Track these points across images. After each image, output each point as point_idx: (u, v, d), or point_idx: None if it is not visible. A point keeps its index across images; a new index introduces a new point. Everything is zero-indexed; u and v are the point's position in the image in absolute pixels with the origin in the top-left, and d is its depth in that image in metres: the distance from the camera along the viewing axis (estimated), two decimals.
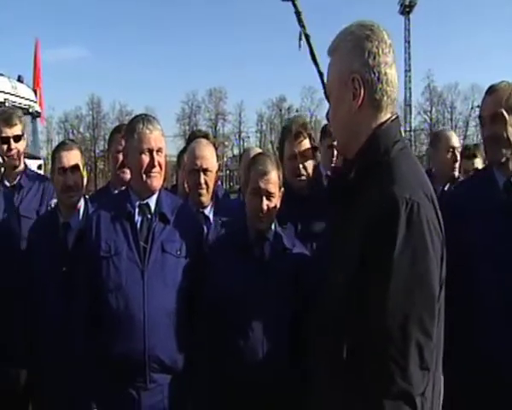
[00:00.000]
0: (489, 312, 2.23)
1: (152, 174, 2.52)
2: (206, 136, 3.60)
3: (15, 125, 3.40)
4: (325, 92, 2.98)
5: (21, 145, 3.44)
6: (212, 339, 2.45)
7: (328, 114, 1.70)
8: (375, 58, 1.52)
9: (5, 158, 3.37)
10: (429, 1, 69.58)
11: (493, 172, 2.39)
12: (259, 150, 4.02)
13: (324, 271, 1.64)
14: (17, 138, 3.39)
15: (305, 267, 2.48)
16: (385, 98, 1.54)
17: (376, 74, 1.52)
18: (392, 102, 1.56)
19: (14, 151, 3.37)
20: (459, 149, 3.94)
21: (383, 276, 1.36)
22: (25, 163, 3.54)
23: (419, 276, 1.36)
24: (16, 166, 3.42)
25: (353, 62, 1.54)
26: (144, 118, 2.58)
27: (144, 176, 2.52)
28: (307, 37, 2.95)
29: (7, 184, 3.38)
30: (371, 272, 1.38)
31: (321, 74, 2.90)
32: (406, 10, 52.40)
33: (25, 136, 3.51)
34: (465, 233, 2.26)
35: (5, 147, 3.35)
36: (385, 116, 1.55)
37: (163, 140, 2.60)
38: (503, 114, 2.28)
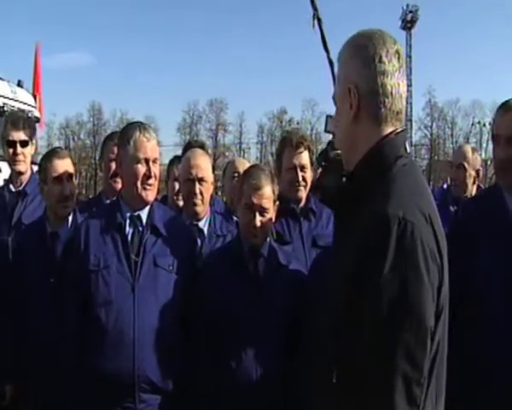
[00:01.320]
0: (498, 338, 2.12)
1: (147, 186, 2.42)
2: (202, 146, 3.54)
3: (23, 129, 3.30)
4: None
5: (28, 151, 3.33)
6: (205, 358, 2.36)
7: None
8: (370, 68, 1.44)
9: (10, 162, 3.27)
10: (431, 17, 70.16)
11: (503, 193, 2.29)
12: (244, 161, 3.87)
13: (322, 290, 1.55)
14: (24, 143, 3.29)
15: (300, 285, 2.40)
16: (382, 110, 1.44)
17: (373, 85, 1.44)
18: (395, 114, 1.46)
19: (19, 156, 3.26)
20: (468, 164, 3.72)
21: (369, 301, 1.26)
22: (32, 170, 3.41)
23: (408, 303, 1.25)
24: (22, 172, 3.31)
25: (350, 72, 1.48)
26: (141, 126, 2.47)
27: (140, 187, 2.41)
28: (319, 21, 2.93)
29: (12, 189, 3.28)
30: (359, 295, 1.29)
31: (331, 63, 2.88)
32: (408, 26, 52.71)
33: (33, 141, 3.40)
34: (474, 258, 2.17)
35: (11, 151, 3.25)
36: (387, 129, 1.46)
37: (158, 149, 2.50)
38: None
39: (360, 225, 1.34)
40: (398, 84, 1.46)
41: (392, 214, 1.28)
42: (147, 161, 2.41)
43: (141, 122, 2.55)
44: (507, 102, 2.28)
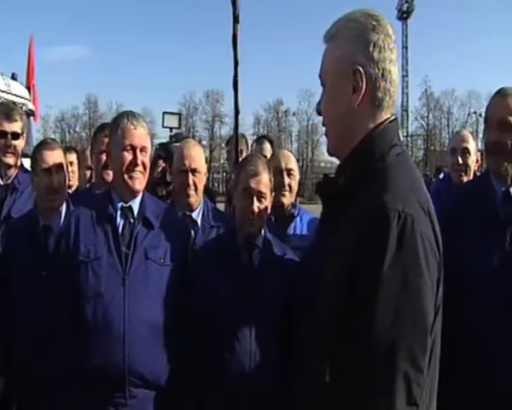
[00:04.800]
0: (489, 331, 2.09)
1: (134, 174, 2.38)
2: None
3: (15, 121, 3.27)
4: (235, 80, 2.92)
5: (19, 143, 3.30)
6: (199, 351, 2.33)
7: (318, 105, 1.53)
8: (380, 52, 1.36)
9: (0, 153, 3.23)
10: (427, 7, 69.87)
11: (491, 180, 2.27)
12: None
13: (314, 285, 1.48)
14: (15, 135, 3.26)
15: (295, 277, 2.35)
16: (387, 98, 1.39)
17: (381, 71, 1.37)
18: (394, 102, 1.42)
19: (10, 148, 3.23)
20: (465, 150, 3.66)
21: (369, 298, 1.21)
22: (21, 163, 3.39)
23: (410, 300, 1.20)
24: (10, 165, 3.27)
25: (356, 53, 1.38)
26: (129, 113, 2.44)
27: (126, 175, 2.37)
28: (236, 18, 2.86)
29: (0, 182, 3.24)
30: (357, 291, 1.23)
31: (236, 63, 2.83)
32: (404, 16, 52.62)
33: (24, 135, 3.37)
34: (462, 249, 2.12)
35: (2, 142, 3.21)
36: (384, 117, 1.41)
37: (148, 139, 2.46)
38: (511, 123, 2.17)
39: (356, 219, 1.28)
40: (397, 72, 1.42)
41: (392, 207, 1.22)
42: (133, 148, 2.37)
43: (131, 111, 2.50)
44: (503, 89, 2.28)
